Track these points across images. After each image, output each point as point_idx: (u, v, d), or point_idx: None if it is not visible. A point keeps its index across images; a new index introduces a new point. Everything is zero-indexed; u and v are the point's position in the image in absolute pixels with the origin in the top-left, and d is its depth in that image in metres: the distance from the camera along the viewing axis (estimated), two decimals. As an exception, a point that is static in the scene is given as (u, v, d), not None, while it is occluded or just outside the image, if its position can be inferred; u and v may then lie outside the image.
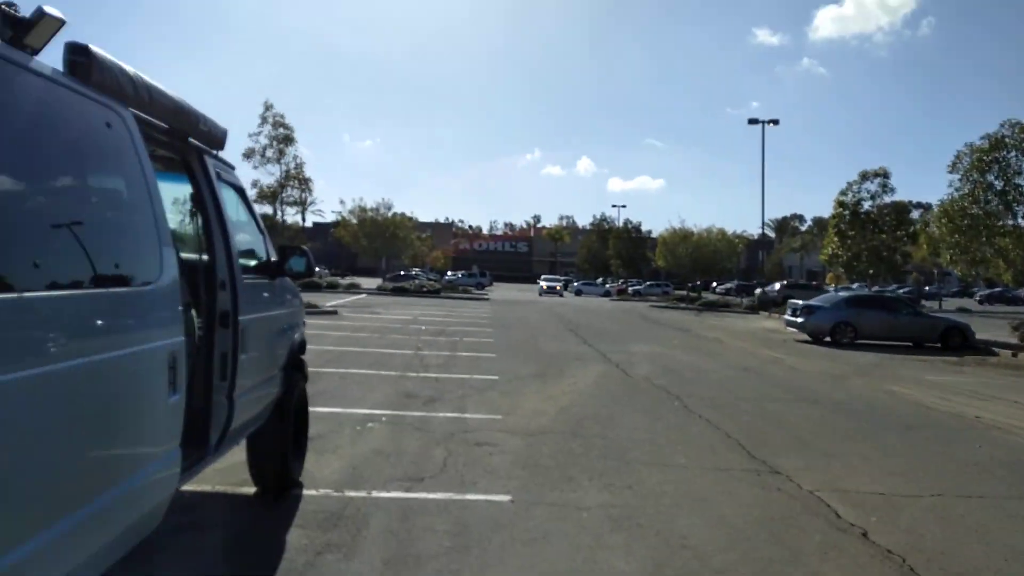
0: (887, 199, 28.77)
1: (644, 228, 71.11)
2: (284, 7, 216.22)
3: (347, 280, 41.96)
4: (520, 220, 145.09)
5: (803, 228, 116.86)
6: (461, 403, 8.43)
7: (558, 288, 56.31)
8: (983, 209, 19.16)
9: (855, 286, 53.68)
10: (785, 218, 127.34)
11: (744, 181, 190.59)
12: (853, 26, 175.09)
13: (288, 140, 21.98)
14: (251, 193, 21.51)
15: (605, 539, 4.39)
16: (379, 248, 41.67)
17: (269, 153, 21.97)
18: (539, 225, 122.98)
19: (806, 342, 20.03)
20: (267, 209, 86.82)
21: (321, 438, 6.47)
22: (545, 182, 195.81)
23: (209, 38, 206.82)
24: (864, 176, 28.92)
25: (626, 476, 5.76)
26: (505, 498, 5.06)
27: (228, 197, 4.15)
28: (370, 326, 18.24)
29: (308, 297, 30.06)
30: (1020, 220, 19.14)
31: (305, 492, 4.92)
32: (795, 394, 10.51)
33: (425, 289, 36.42)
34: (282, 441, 4.66)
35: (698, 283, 47.96)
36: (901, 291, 67.84)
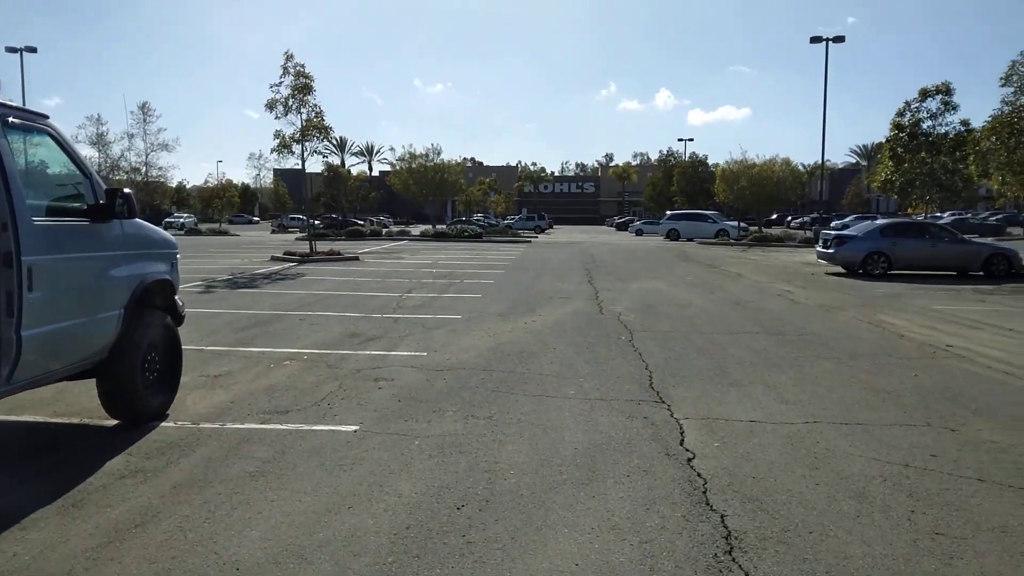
0: (949, 118, 26.73)
1: (711, 161, 68.87)
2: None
3: (399, 228, 42.69)
4: (592, 160, 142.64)
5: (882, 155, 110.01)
6: (397, 342, 8.67)
7: None
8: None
9: (947, 215, 50.62)
10: (877, 144, 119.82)
11: (834, 107, 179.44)
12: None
13: (308, 89, 22.17)
14: (273, 143, 22.12)
15: (412, 465, 4.54)
16: (428, 194, 42.03)
17: (291, 103, 22.18)
18: (611, 164, 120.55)
19: (837, 274, 19.24)
20: (335, 160, 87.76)
21: (228, 375, 6.86)
22: (622, 118, 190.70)
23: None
24: (924, 93, 26.93)
25: (496, 407, 5.87)
26: (351, 428, 5.27)
27: (33, 142, 4.40)
28: (380, 271, 18.71)
29: (345, 245, 31.10)
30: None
31: (163, 424, 5.28)
32: (764, 327, 10.22)
33: (467, 234, 36.72)
34: (126, 377, 4.98)
35: (748, 217, 46.01)
36: (993, 218, 63.63)
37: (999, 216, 65.11)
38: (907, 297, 14.23)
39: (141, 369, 5.11)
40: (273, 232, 54.39)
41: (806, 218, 67.80)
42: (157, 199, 60.17)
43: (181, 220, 54.10)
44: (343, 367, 7.27)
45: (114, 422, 5.27)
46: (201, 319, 10.09)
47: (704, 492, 4.16)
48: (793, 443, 5.08)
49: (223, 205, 57.69)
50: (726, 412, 5.83)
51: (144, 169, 46.34)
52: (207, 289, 14.19)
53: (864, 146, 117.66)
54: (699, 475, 4.43)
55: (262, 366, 7.28)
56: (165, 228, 5.60)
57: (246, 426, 5.29)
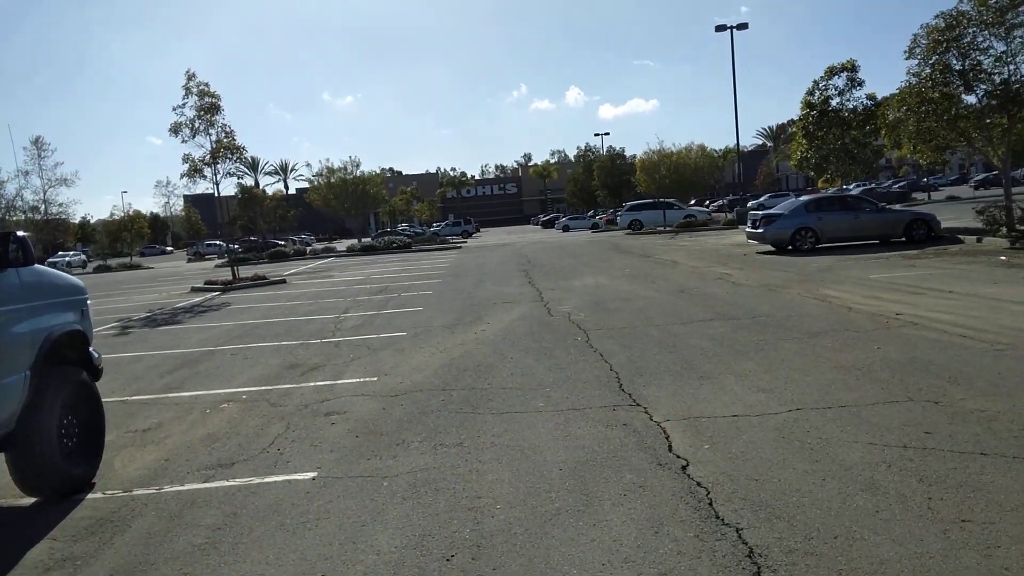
0: (855, 94, 27.62)
1: (629, 153, 69.90)
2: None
3: (323, 245, 41.44)
4: (511, 161, 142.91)
5: (794, 134, 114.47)
6: (343, 368, 8.07)
7: None
8: (941, 92, 18.24)
9: (853, 187, 52.78)
10: (780, 125, 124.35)
11: (740, 92, 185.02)
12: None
13: (215, 109, 21.04)
14: (183, 168, 20.92)
15: (385, 512, 4.04)
16: (349, 207, 40.92)
17: (197, 125, 20.99)
18: (530, 164, 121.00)
19: (768, 253, 19.54)
20: (249, 181, 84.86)
21: (159, 428, 6.16)
22: (535, 118, 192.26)
23: (172, 7, 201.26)
24: (831, 72, 27.73)
25: (465, 432, 5.41)
26: (308, 476, 4.72)
27: None
28: (311, 292, 17.88)
29: (269, 268, 29.83)
30: (981, 99, 18.23)
31: (90, 496, 4.60)
32: (716, 312, 10.08)
33: (395, 245, 35.89)
34: (41, 448, 4.29)
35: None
36: (895, 186, 66.92)
37: (902, 184, 68.66)
38: (841, 269, 14.46)
39: (58, 436, 4.43)
40: (189, 261, 52.03)
41: (723, 201, 69.79)
42: (60, 238, 56.75)
43: (67, 259, 49.11)
44: (288, 404, 6.65)
45: (32, 500, 4.56)
46: (121, 365, 9.23)
47: (710, 504, 3.83)
48: (784, 435, 4.81)
49: (132, 237, 54.77)
50: (705, 409, 5.54)
51: (43, 207, 43.44)
52: (124, 330, 13.15)
53: (769, 127, 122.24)
54: (699, 484, 4.10)
55: (196, 412, 6.59)
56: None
57: (187, 487, 4.66)
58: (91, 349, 5.11)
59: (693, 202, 56.81)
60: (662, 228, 38.71)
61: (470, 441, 5.19)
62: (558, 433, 5.22)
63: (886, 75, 72.65)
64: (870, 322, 8.58)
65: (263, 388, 7.37)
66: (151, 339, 11.73)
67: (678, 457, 4.56)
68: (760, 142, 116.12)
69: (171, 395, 7.43)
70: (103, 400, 5.22)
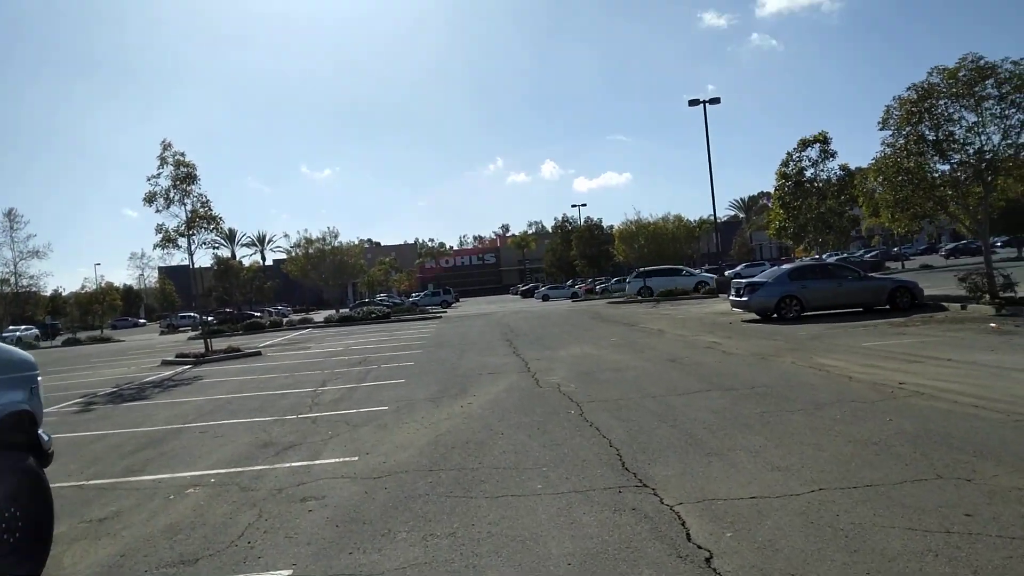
0: (829, 164, 28.19)
1: (606, 224, 70.84)
2: (220, 42, 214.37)
3: (300, 316, 40.74)
4: (489, 232, 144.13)
5: (771, 205, 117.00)
6: (321, 447, 7.50)
7: None
8: (917, 162, 18.55)
9: (826, 256, 53.56)
10: (752, 197, 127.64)
11: (706, 165, 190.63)
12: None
13: (191, 178, 20.78)
14: (156, 239, 20.48)
15: (371, 619, 3.50)
16: (328, 278, 40.47)
17: (172, 195, 20.67)
18: (508, 234, 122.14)
19: (753, 321, 19.35)
20: (225, 252, 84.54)
21: (117, 517, 5.54)
22: (511, 190, 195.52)
23: (151, 82, 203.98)
24: (804, 143, 28.37)
25: (457, 519, 4.88)
26: (284, 574, 4.15)
27: None
28: (286, 364, 17.24)
29: (244, 340, 29.08)
30: (956, 168, 18.53)
31: (27, 602, 3.99)
32: (712, 383, 9.70)
33: (374, 315, 35.33)
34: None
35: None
36: (868, 255, 68.20)
37: (874, 253, 70.03)
38: (830, 337, 14.23)
39: (8, 532, 3.85)
40: (162, 333, 50.87)
41: (699, 270, 70.40)
42: (29, 310, 55.42)
43: (17, 333, 44.87)
44: (260, 488, 6.07)
45: (-44, 610, 3.94)
46: (80, 445, 8.57)
47: (746, 605, 3.35)
48: (812, 520, 4.37)
49: (104, 310, 53.62)
50: (720, 490, 5.09)
51: (14, 279, 42.42)
52: (87, 407, 12.42)
53: (742, 199, 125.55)
54: (728, 581, 3.62)
55: (159, 499, 5.98)
56: None
57: (142, 590, 4.08)
58: (40, 432, 4.57)
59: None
60: (642, 298, 38.64)
61: (464, 530, 4.67)
62: (561, 520, 4.72)
63: (854, 145, 74.92)
64: (874, 392, 8.24)
65: (233, 470, 6.78)
66: (115, 416, 11.04)
67: (699, 548, 4.09)
68: (733, 213, 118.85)
69: (132, 479, 6.80)
70: (55, 485, 4.66)
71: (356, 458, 6.88)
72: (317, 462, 6.85)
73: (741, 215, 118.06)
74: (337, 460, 6.86)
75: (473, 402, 9.55)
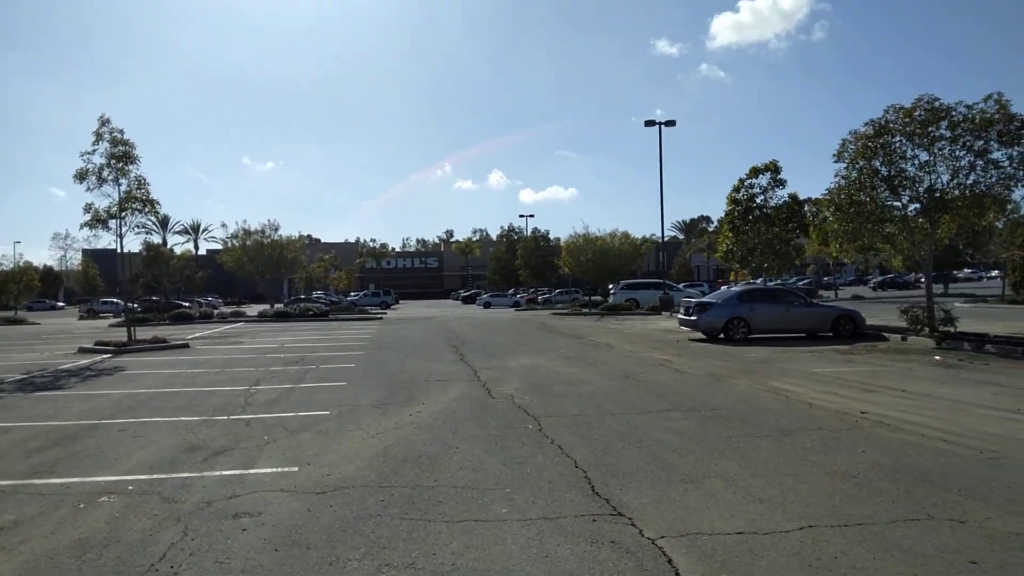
0: (779, 192, 28.67)
1: (552, 236, 70.91)
2: (171, 27, 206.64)
3: (231, 309, 39.11)
4: (433, 236, 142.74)
5: (710, 229, 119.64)
6: (255, 454, 6.81)
7: None
8: (870, 196, 18.85)
9: (758, 281, 54.84)
10: (692, 220, 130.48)
11: (653, 186, 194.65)
12: (750, 33, 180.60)
13: (129, 158, 19.48)
14: (85, 218, 19.14)
15: (320, 672, 2.92)
16: (264, 271, 38.98)
17: (106, 174, 19.33)
18: (452, 239, 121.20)
19: (700, 341, 19.30)
20: (156, 238, 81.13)
21: (16, 527, 4.79)
22: (457, 197, 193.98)
23: (91, 60, 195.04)
24: (755, 171, 28.79)
25: (416, 547, 4.33)
26: (212, 608, 3.53)
27: None
28: (217, 359, 16.22)
29: (171, 330, 27.62)
30: (906, 204, 18.90)
31: None
32: (671, 402, 9.38)
33: (311, 312, 34.12)
34: None
35: (596, 288, 47.34)
36: (801, 282, 70.20)
37: (807, 281, 72.12)
38: (780, 361, 14.19)
39: None
40: (81, 318, 48.17)
41: (680, 287, 71.26)
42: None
43: None
44: (186, 500, 5.37)
45: None
46: (-23, 439, 7.62)
47: (759, 667, 2.91)
48: (809, 563, 4.00)
49: (20, 290, 50.49)
50: (702, 522, 4.68)
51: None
52: (-9, 394, 11.28)
53: (683, 221, 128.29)
54: (733, 635, 3.19)
55: (67, 507, 5.22)
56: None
57: (37, 625, 3.39)
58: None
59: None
60: (587, 311, 38.59)
61: (424, 560, 4.12)
62: (534, 552, 4.23)
63: (794, 175, 77.32)
64: (838, 420, 8.04)
65: (155, 476, 6.04)
66: (23, 407, 10.00)
67: (693, 592, 3.66)
68: (673, 234, 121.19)
69: (37, 481, 5.98)
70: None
71: (296, 468, 6.23)
72: (252, 471, 6.16)
73: (681, 236, 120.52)
74: (274, 470, 6.19)
75: (423, 410, 8.97)
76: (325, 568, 4.04)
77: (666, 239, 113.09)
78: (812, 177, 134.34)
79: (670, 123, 40.09)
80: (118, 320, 35.06)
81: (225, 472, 6.13)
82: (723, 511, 4.92)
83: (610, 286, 44.86)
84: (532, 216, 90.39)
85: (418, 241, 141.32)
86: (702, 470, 5.99)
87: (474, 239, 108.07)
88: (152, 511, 5.08)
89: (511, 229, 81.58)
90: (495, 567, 4.01)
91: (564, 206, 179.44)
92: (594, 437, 7.30)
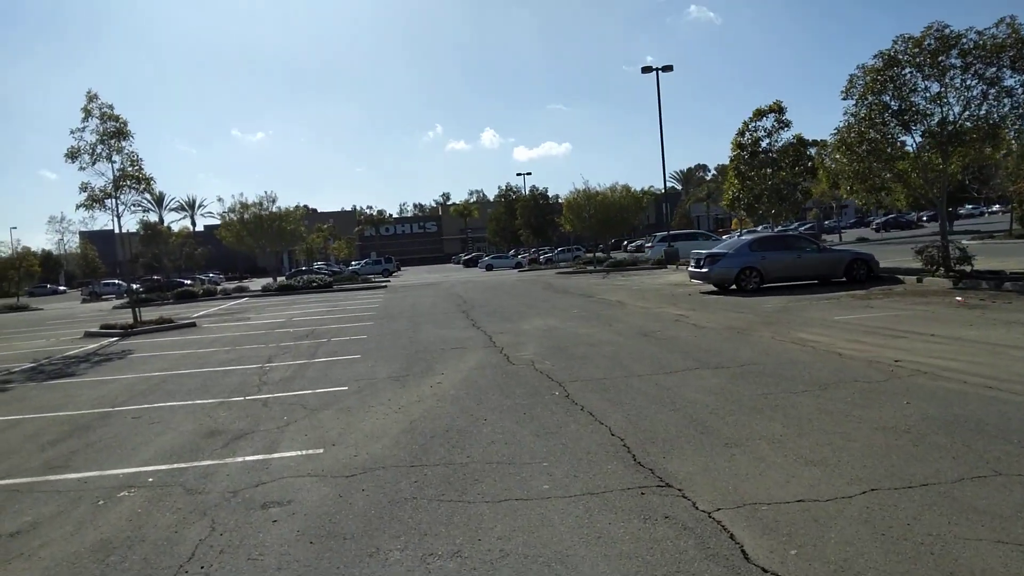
0: (784, 135, 28.04)
1: (551, 193, 70.09)
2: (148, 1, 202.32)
3: (234, 284, 38.81)
4: (430, 200, 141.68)
5: (708, 178, 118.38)
6: (276, 436, 6.57)
7: None
8: (880, 132, 18.30)
9: (760, 228, 54.31)
10: (690, 169, 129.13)
11: (648, 137, 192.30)
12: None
13: (122, 134, 18.98)
14: (81, 198, 18.74)
15: None
16: (264, 245, 38.57)
17: (99, 151, 18.86)
18: (449, 203, 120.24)
19: (712, 293, 19.03)
20: (153, 217, 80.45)
21: (34, 530, 4.55)
22: (451, 158, 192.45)
23: (66, 34, 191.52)
24: (759, 113, 28.08)
25: (459, 531, 4.09)
26: (251, 614, 3.29)
27: None
28: (226, 337, 15.99)
29: (178, 309, 27.37)
30: (918, 139, 18.37)
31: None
32: (697, 359, 9.13)
33: (315, 284, 33.82)
34: None
35: (599, 244, 46.94)
36: (802, 228, 69.60)
37: (809, 225, 71.50)
38: (798, 310, 13.91)
39: None
40: (84, 301, 47.96)
41: (641, 241, 70.81)
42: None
43: None
44: (210, 490, 5.13)
45: None
46: (-12, 435, 7.39)
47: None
48: (881, 532, 3.74)
49: (21, 276, 50.14)
50: (758, 491, 4.43)
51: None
52: (-1, 385, 11.05)
53: (681, 171, 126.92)
54: (818, 619, 2.94)
55: (86, 505, 4.99)
56: None
57: (66, 643, 3.15)
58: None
59: (612, 241, 57.20)
60: (592, 268, 38.26)
61: (469, 547, 3.88)
62: (585, 532, 3.98)
63: (794, 118, 75.97)
64: (874, 371, 7.78)
65: (176, 466, 5.80)
66: (33, 398, 9.77)
67: (764, 571, 3.41)
68: (671, 185, 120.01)
69: (53, 478, 5.75)
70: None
71: (321, 450, 5.99)
72: (276, 455, 5.92)
73: (679, 187, 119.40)
74: (299, 453, 5.95)
75: (443, 381, 8.73)
76: (366, 561, 3.80)
77: (666, 191, 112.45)
78: (815, 119, 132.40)
79: (667, 68, 39.11)
80: (122, 302, 34.82)
81: (248, 458, 5.89)
82: (777, 477, 4.67)
83: (645, 240, 44.39)
84: (530, 174, 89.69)
85: (415, 205, 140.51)
86: (744, 432, 5.74)
87: (471, 201, 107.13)
88: (176, 505, 4.85)
89: (508, 188, 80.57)
90: (547, 552, 3.76)
91: (559, 162, 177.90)
92: (624, 401, 7.05)
